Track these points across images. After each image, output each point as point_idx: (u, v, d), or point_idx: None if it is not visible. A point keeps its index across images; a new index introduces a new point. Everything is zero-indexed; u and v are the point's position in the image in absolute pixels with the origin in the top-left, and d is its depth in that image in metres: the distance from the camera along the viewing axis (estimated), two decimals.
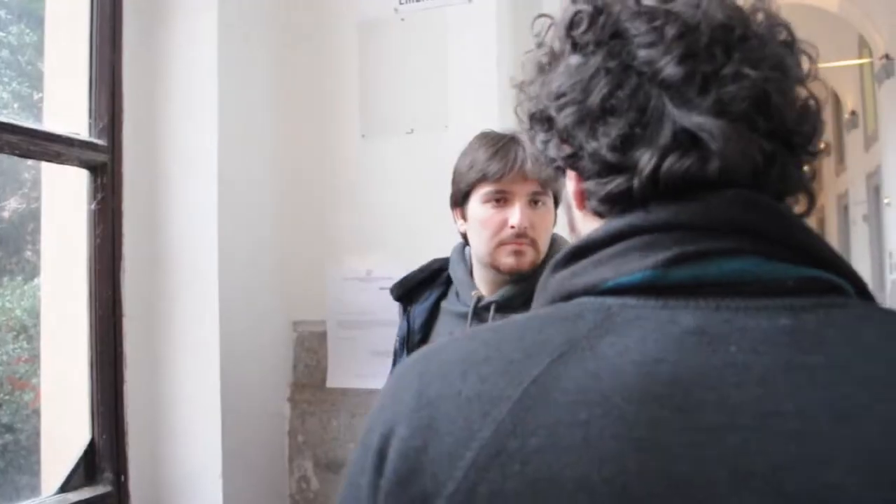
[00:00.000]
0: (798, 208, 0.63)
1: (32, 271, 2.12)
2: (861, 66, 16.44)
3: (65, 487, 1.79)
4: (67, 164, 1.81)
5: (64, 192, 1.94)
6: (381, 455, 0.56)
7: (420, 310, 1.64)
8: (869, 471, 0.47)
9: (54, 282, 1.99)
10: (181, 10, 1.99)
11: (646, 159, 0.57)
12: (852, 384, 0.50)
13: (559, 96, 0.62)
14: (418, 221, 2.09)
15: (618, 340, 0.53)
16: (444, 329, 1.58)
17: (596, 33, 0.61)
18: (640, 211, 0.58)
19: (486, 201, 1.48)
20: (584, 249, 0.60)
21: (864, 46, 15.79)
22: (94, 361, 1.85)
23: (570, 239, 0.72)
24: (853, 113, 17.69)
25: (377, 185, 2.16)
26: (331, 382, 2.20)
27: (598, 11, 0.62)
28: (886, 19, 13.81)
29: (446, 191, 2.09)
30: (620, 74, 0.59)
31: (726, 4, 0.61)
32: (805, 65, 0.63)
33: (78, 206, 1.87)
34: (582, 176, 0.63)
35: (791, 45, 0.62)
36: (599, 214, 0.62)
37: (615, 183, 0.59)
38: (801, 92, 0.61)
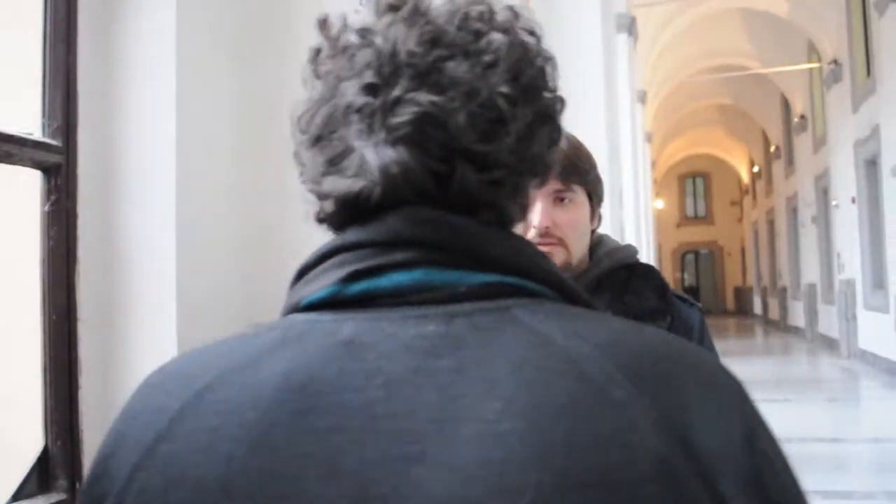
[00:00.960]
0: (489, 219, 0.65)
1: None
2: (810, 70, 16.84)
3: (18, 495, 1.75)
4: (19, 164, 1.76)
5: (16, 193, 1.90)
6: (94, 459, 0.63)
7: None
8: (452, 467, 0.51)
9: (6, 285, 1.94)
10: (139, 7, 1.96)
11: (328, 187, 0.64)
12: (467, 385, 0.54)
13: (297, 121, 0.68)
14: None
15: (282, 354, 0.58)
16: None
17: (321, 65, 0.67)
18: (341, 232, 0.65)
19: None
20: (304, 269, 0.67)
21: (813, 52, 16.18)
22: (47, 367, 1.81)
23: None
24: (802, 117, 18.12)
25: None
26: None
27: (325, 44, 0.67)
28: (835, 26, 14.15)
29: None
30: (331, 106, 0.65)
31: (426, 33, 0.63)
32: (528, 81, 0.66)
33: (31, 208, 1.83)
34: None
35: (493, 66, 0.64)
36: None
37: (319, 207, 0.67)
38: (499, 109, 0.63)
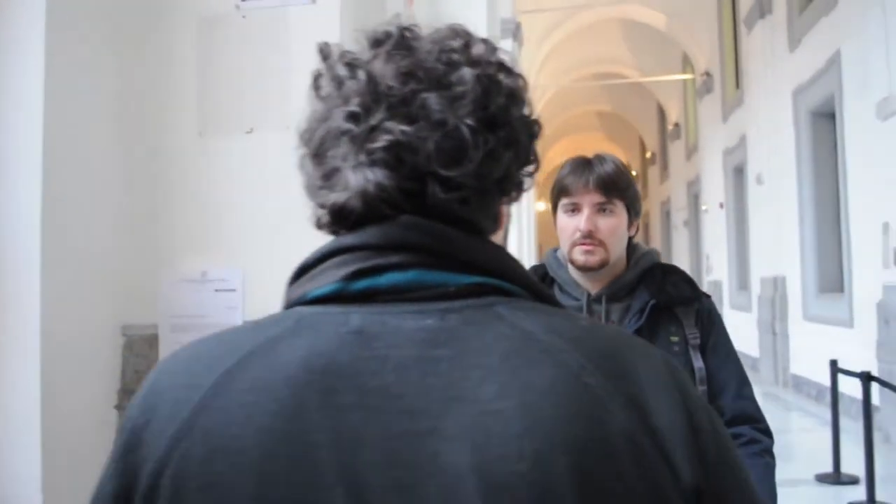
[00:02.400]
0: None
1: None
2: (685, 81, 17.58)
3: None
4: None
5: None
6: (121, 431, 0.70)
7: None
8: (460, 439, 0.61)
9: None
10: (4, 3, 1.86)
11: (322, 199, 0.73)
12: (466, 372, 0.64)
13: (300, 137, 0.77)
14: (257, 223, 2.05)
15: (296, 341, 0.67)
16: None
17: (321, 90, 0.76)
18: (338, 237, 0.73)
19: (564, 211, 1.79)
20: (304, 268, 0.74)
21: (687, 63, 16.88)
22: None
23: None
24: (676, 125, 18.90)
25: (214, 184, 2.10)
26: None
27: (324, 71, 0.76)
28: (707, 39, 14.83)
29: (287, 192, 2.06)
30: (326, 128, 0.73)
31: (402, 67, 0.72)
32: (492, 113, 0.73)
33: None
34: None
35: (461, 98, 0.71)
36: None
37: (317, 216, 0.75)
38: (466, 140, 0.71)
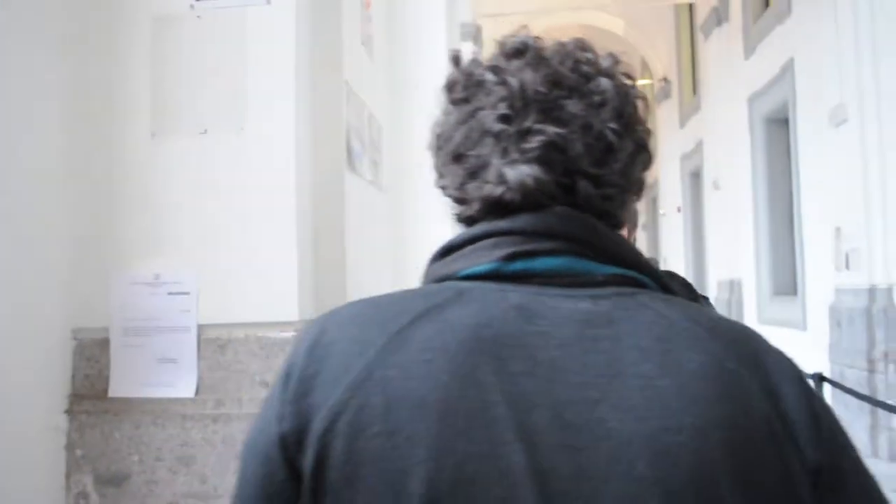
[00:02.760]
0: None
1: None
2: (643, 86, 17.79)
3: None
4: None
5: None
6: (286, 377, 0.76)
7: None
8: (625, 409, 0.68)
9: None
10: None
11: (474, 191, 0.81)
12: (624, 351, 0.71)
13: (437, 138, 0.86)
14: (210, 224, 2.03)
15: (461, 310, 0.73)
16: None
17: (458, 94, 0.84)
18: (486, 223, 0.80)
19: None
20: (450, 248, 0.82)
21: (646, 69, 17.07)
22: None
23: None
24: None
25: (167, 186, 2.07)
26: (114, 392, 2.09)
27: (460, 77, 0.85)
28: (665, 45, 15.01)
29: (240, 193, 2.05)
30: (468, 129, 0.82)
31: (548, 75, 0.81)
32: (628, 118, 0.83)
33: None
34: (452, 202, 0.86)
35: (603, 105, 0.81)
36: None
37: (460, 209, 0.84)
38: (609, 141, 0.80)
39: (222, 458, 1.96)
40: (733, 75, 10.51)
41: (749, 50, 9.82)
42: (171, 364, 2.01)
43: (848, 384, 6.26)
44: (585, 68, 0.82)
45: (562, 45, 0.85)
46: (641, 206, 16.32)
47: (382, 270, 3.06)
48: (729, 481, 0.67)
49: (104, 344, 2.10)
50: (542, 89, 0.80)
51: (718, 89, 11.07)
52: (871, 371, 6.07)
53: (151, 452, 2.01)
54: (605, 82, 0.82)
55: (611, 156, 0.81)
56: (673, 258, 14.94)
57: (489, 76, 0.82)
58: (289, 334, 2.01)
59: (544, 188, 0.78)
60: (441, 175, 0.87)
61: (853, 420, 6.38)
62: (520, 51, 0.84)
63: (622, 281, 0.78)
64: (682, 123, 13.91)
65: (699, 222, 13.05)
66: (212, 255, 2.03)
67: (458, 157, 0.83)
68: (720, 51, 11.01)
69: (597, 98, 0.81)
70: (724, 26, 10.94)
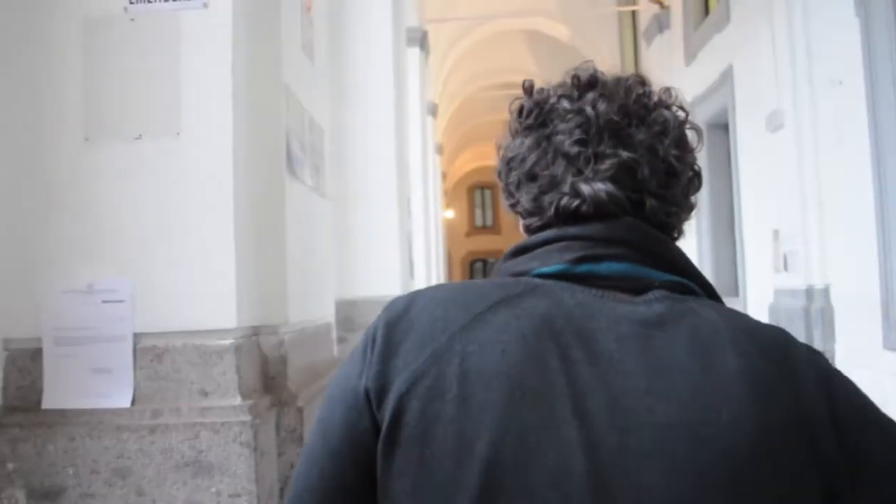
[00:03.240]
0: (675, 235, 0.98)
1: None
2: None
3: None
4: None
5: None
6: (373, 340, 0.87)
7: None
8: (671, 399, 0.78)
9: None
10: None
11: (547, 203, 0.92)
12: (674, 350, 0.81)
13: (509, 162, 0.98)
14: (146, 231, 1.99)
15: (535, 301, 0.84)
16: None
17: (532, 120, 0.96)
18: (558, 228, 0.91)
19: None
20: (524, 249, 0.92)
21: None
22: None
23: None
24: None
25: (101, 192, 2.02)
26: (47, 404, 2.03)
27: (534, 106, 0.96)
28: (609, 52, 15.20)
29: (177, 199, 2.01)
30: (542, 151, 0.93)
31: (621, 107, 0.92)
32: (685, 146, 0.96)
33: None
34: (521, 217, 0.98)
35: (664, 134, 0.93)
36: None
37: (531, 220, 0.95)
38: (672, 165, 0.92)
39: (160, 469, 1.92)
40: (675, 81, 10.59)
41: (690, 57, 9.99)
42: (106, 374, 1.97)
43: None
44: (646, 100, 0.95)
45: (624, 78, 0.96)
46: None
47: (326, 277, 3.03)
48: (752, 474, 0.76)
49: (37, 354, 2.04)
50: (615, 118, 0.91)
51: None
52: None
53: (87, 465, 1.96)
54: (665, 112, 0.95)
55: (673, 179, 0.93)
56: None
57: (565, 104, 0.94)
58: (227, 342, 1.98)
59: (617, 202, 0.89)
60: (511, 194, 0.99)
61: None
62: (591, 84, 0.95)
63: (676, 287, 0.88)
64: None
65: None
66: (148, 263, 1.99)
67: (532, 177, 0.94)
68: (662, 57, 11.19)
69: (657, 127, 0.93)
70: (665, 33, 11.12)
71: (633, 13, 13.22)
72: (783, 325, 6.56)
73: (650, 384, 0.78)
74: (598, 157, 0.90)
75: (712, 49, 9.07)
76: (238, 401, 1.96)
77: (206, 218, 1.98)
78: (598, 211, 0.89)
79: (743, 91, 8.10)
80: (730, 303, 8.59)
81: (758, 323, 0.89)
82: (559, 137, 0.92)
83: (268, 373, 2.22)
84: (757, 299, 7.78)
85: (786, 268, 6.74)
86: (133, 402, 1.97)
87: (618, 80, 0.96)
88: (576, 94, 0.95)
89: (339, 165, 5.80)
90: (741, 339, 0.83)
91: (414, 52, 10.01)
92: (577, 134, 0.91)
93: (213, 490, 1.92)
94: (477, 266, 34.69)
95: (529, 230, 0.96)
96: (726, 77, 8.57)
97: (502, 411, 0.77)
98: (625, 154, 0.90)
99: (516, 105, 0.99)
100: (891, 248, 5.19)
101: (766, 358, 0.82)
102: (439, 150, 17.85)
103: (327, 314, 3.00)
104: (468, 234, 34.63)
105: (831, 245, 6.18)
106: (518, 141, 0.97)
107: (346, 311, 5.98)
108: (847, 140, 5.78)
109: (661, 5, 11.05)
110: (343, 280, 5.95)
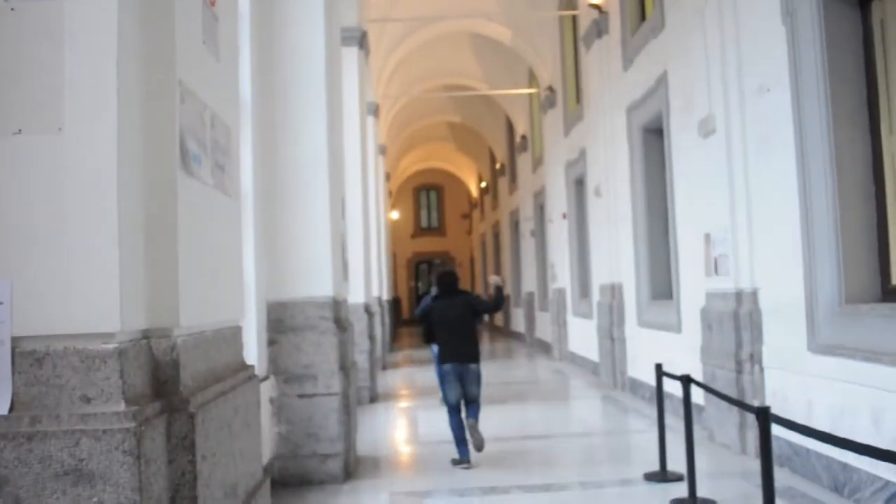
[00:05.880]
0: None
1: None
2: (530, 95, 18.07)
3: None
4: None
5: None
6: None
7: None
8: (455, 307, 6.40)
9: None
10: None
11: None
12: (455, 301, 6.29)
13: None
14: (25, 230, 1.90)
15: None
16: None
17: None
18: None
19: None
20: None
21: (533, 78, 17.36)
22: None
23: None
24: (523, 137, 19.39)
25: None
26: None
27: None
28: (550, 55, 15.30)
29: (58, 197, 1.92)
30: None
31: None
32: None
33: None
34: None
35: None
36: None
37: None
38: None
39: (39, 478, 1.84)
40: (613, 86, 10.79)
41: (627, 62, 10.10)
42: None
43: (718, 384, 6.50)
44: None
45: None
46: (530, 212, 16.65)
47: (234, 279, 2.95)
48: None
49: None
50: None
51: (600, 99, 11.34)
52: (739, 372, 6.31)
53: None
54: None
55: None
56: (560, 263, 15.23)
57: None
58: (111, 346, 1.90)
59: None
60: None
61: (724, 420, 6.62)
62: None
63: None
64: (567, 132, 14.20)
65: (583, 228, 13.33)
66: (27, 263, 1.90)
67: None
68: (601, 62, 11.29)
69: None
70: (604, 38, 11.23)
71: (574, 17, 13.31)
72: (713, 327, 6.68)
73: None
74: None
75: (648, 55, 9.18)
76: (122, 407, 1.89)
77: (89, 216, 1.90)
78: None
79: (677, 97, 8.20)
80: (664, 305, 8.73)
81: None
82: None
83: (159, 378, 2.14)
84: (690, 303, 7.89)
85: (716, 271, 6.83)
86: (11, 409, 1.88)
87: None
88: None
89: (265, 165, 5.71)
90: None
91: (352, 52, 9.94)
92: None
93: (95, 500, 1.84)
94: (422, 267, 34.69)
95: None
96: (661, 83, 8.68)
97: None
98: None
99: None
100: (815, 253, 5.29)
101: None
102: (382, 150, 17.78)
103: (236, 317, 2.91)
104: (413, 236, 34.64)
105: (759, 249, 6.29)
106: None
107: (277, 313, 5.88)
108: (774, 146, 5.88)
109: (600, 10, 11.14)
110: (273, 282, 5.85)
